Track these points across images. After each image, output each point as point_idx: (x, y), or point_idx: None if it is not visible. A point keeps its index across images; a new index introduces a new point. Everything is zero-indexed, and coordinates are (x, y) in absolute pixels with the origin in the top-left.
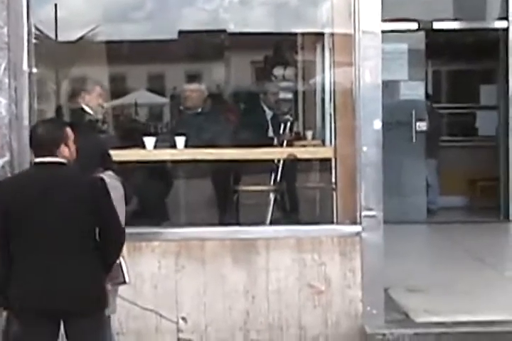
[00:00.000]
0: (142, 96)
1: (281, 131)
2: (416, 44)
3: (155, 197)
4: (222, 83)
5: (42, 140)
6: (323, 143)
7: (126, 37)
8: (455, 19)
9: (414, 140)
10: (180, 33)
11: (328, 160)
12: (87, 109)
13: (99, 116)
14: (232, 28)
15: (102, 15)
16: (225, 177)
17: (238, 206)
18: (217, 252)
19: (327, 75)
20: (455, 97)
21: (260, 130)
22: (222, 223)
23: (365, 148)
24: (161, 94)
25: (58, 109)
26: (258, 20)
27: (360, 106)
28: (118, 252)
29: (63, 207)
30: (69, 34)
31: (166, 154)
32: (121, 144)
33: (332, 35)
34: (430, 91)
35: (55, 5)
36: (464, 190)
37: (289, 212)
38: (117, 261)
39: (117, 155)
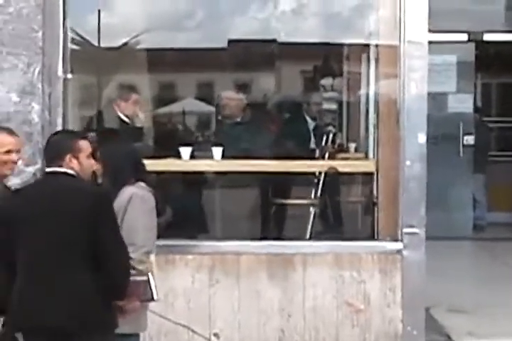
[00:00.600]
0: (190, 105)
1: (323, 143)
2: (465, 56)
3: (190, 209)
4: (270, 93)
5: (48, 150)
6: (367, 156)
7: (176, 45)
8: (507, 31)
9: (461, 154)
10: (231, 41)
11: (371, 173)
12: (122, 116)
13: (136, 124)
14: (283, 37)
15: (151, 22)
16: (264, 190)
17: (277, 220)
18: (253, 267)
19: (372, 86)
20: (505, 111)
21: (302, 141)
22: (259, 237)
23: (408, 163)
24: (210, 102)
25: (98, 116)
26: (309, 30)
27: (404, 119)
28: (122, 273)
29: (63, 220)
30: (115, 41)
31: (201, 165)
32: (159, 153)
33: (377, 45)
34: (479, 104)
35: (99, 11)
36: None
37: (329, 227)
38: (145, 278)
39: (152, 164)
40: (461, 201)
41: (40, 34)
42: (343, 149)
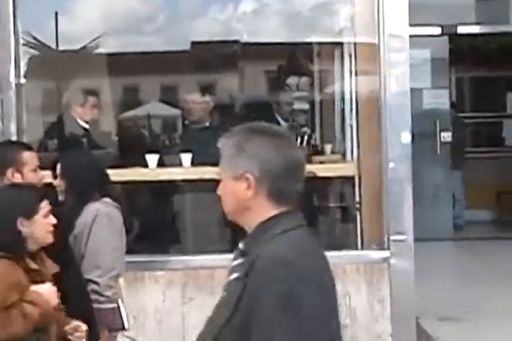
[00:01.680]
0: (155, 108)
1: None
2: (439, 50)
3: (158, 221)
4: (235, 94)
5: None
6: (344, 158)
7: (137, 48)
8: (478, 23)
9: (438, 151)
10: (193, 43)
11: (352, 177)
12: (81, 123)
13: (96, 130)
14: (245, 38)
15: (112, 26)
16: None
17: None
18: None
19: (347, 84)
20: (480, 106)
21: None
22: (234, 249)
23: (392, 164)
24: (175, 105)
25: (58, 124)
26: (272, 30)
27: (386, 117)
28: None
29: None
30: (75, 44)
31: (169, 173)
32: (124, 162)
33: (354, 42)
34: (454, 100)
35: (56, 13)
36: (491, 203)
37: None
38: (114, 305)
39: (116, 174)
40: (440, 200)
41: None
42: (318, 151)
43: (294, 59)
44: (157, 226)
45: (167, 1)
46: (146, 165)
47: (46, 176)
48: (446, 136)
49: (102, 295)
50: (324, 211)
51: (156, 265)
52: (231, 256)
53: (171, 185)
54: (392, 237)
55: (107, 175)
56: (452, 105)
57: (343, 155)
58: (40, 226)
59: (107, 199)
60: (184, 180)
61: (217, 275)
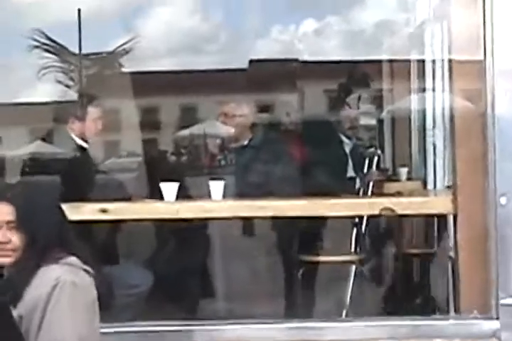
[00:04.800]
0: (212, 127)
1: (365, 169)
2: None
3: (175, 277)
4: (294, 112)
5: None
6: (425, 186)
7: (196, 67)
8: None
9: None
10: (251, 62)
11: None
12: (78, 141)
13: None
14: (305, 57)
15: (172, 44)
16: (285, 244)
17: (306, 287)
18: None
19: (429, 100)
20: None
21: (338, 169)
22: (280, 316)
23: (503, 200)
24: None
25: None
26: (333, 49)
27: (494, 135)
28: None
29: None
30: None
31: (192, 209)
32: (136, 192)
33: (442, 58)
34: None
35: (79, 10)
36: None
37: (381, 296)
38: None
39: (115, 211)
40: None
41: None
42: (389, 177)
43: (353, 77)
44: (174, 283)
45: (228, 21)
46: (161, 198)
47: None
48: None
49: None
50: (404, 260)
51: (172, 337)
52: (277, 326)
53: (194, 226)
54: (502, 301)
55: (66, 223)
56: None
57: (425, 182)
58: None
59: (71, 259)
60: (212, 218)
61: None
